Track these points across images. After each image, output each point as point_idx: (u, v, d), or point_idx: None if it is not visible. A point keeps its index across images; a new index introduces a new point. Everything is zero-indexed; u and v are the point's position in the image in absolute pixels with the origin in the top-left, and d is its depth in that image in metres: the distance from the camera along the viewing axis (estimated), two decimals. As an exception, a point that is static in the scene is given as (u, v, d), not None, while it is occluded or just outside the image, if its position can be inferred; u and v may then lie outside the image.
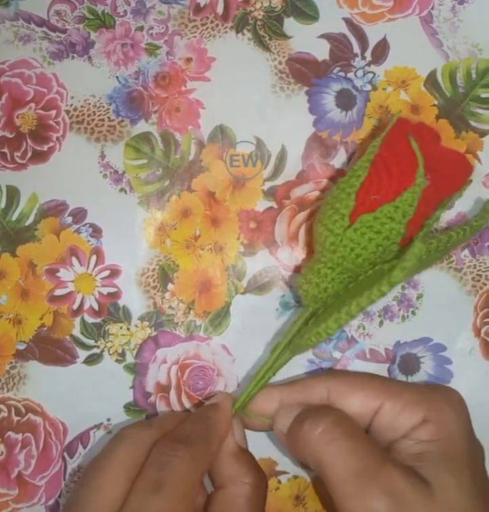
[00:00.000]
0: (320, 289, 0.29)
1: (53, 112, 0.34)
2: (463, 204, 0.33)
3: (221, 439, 0.28)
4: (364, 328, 0.34)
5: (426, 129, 0.30)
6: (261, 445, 0.33)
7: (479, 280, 0.34)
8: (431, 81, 0.34)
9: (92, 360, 0.34)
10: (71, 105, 0.34)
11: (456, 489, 0.24)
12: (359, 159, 0.29)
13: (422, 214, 0.28)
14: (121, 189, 0.34)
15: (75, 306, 0.34)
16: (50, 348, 0.34)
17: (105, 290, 0.34)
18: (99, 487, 0.25)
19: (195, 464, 0.26)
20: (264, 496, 0.29)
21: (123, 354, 0.34)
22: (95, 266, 0.34)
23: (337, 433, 0.26)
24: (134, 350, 0.34)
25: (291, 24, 0.34)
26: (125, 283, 0.34)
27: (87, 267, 0.34)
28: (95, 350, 0.34)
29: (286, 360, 0.29)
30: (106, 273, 0.34)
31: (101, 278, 0.34)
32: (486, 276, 0.34)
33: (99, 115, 0.34)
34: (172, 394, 0.34)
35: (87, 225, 0.34)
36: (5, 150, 0.34)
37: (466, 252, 0.34)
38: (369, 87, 0.34)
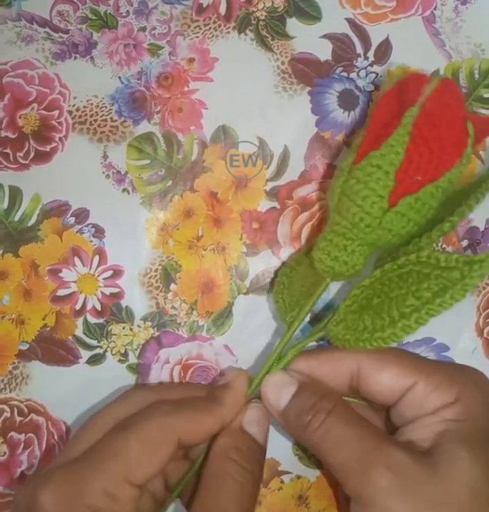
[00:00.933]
0: (348, 266, 0.27)
1: (56, 112, 0.34)
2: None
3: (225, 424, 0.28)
4: (367, 329, 0.34)
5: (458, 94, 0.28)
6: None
7: (482, 281, 0.34)
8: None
9: (94, 360, 0.34)
10: (74, 106, 0.34)
11: (469, 463, 0.24)
12: (395, 131, 0.26)
13: None
14: (124, 190, 0.34)
15: (78, 306, 0.34)
16: (53, 348, 0.34)
17: (108, 291, 0.34)
18: (85, 434, 0.27)
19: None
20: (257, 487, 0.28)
21: (126, 355, 0.34)
22: (98, 266, 0.34)
23: (332, 422, 0.26)
24: (136, 350, 0.34)
25: (293, 25, 0.34)
26: (127, 283, 0.34)
27: (90, 268, 0.34)
28: (98, 351, 0.34)
29: (315, 338, 0.28)
30: (109, 273, 0.34)
31: (104, 279, 0.34)
32: (489, 276, 0.34)
33: (102, 116, 0.34)
34: (175, 395, 0.34)
35: (90, 226, 0.34)
36: (8, 150, 0.34)
37: (468, 252, 0.34)
38: (371, 88, 0.34)
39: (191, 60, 0.34)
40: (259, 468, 0.27)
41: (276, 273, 0.34)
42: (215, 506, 0.25)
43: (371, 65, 0.34)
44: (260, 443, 0.28)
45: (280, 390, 0.27)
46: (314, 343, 0.32)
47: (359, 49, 0.34)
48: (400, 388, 0.27)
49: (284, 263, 0.34)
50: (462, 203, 0.25)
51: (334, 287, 0.34)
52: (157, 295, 0.34)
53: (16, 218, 0.34)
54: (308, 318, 0.33)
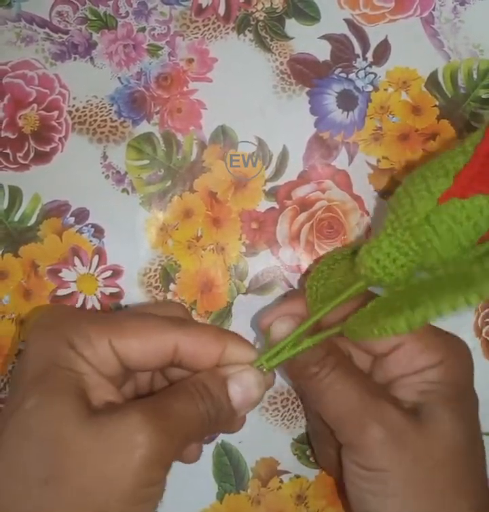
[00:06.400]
0: (391, 279, 0.26)
1: (56, 113, 0.34)
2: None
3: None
4: (365, 329, 0.34)
5: None
6: (262, 445, 0.34)
7: None
8: (432, 81, 0.34)
9: (94, 360, 0.34)
10: (73, 106, 0.34)
11: (450, 423, 0.26)
12: (471, 136, 0.25)
13: None
14: (124, 190, 0.34)
15: (78, 306, 0.34)
16: (52, 348, 0.34)
17: (107, 291, 0.34)
18: None
19: None
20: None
21: (125, 354, 0.34)
22: (97, 266, 0.34)
23: (336, 376, 0.27)
24: (136, 350, 0.34)
25: (292, 25, 0.34)
26: (127, 283, 0.34)
27: (90, 268, 0.34)
28: (97, 350, 0.34)
29: (333, 333, 0.27)
30: (109, 273, 0.34)
31: (103, 279, 0.34)
32: (487, 276, 0.34)
33: (101, 116, 0.34)
34: (174, 394, 0.34)
35: (90, 226, 0.34)
36: (8, 151, 0.34)
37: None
38: (370, 88, 0.34)
39: (190, 61, 0.35)
40: (212, 421, 0.26)
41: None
42: (167, 404, 0.25)
43: (369, 66, 0.34)
44: (234, 407, 0.26)
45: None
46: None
47: (358, 49, 0.34)
48: (387, 346, 0.28)
49: (327, 254, 0.33)
50: None
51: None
52: (157, 294, 0.34)
53: (16, 219, 0.34)
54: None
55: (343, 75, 0.34)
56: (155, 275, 0.34)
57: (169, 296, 0.34)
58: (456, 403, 0.27)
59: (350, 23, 0.34)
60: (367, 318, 0.26)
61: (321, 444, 0.32)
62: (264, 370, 0.27)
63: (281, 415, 0.34)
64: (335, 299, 0.28)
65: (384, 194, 0.34)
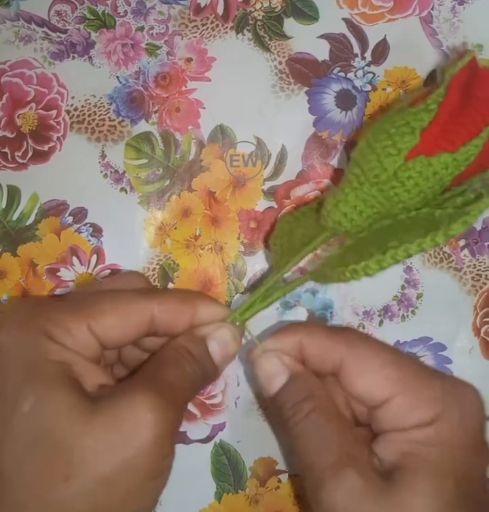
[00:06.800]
0: (352, 225, 0.27)
1: (54, 112, 0.34)
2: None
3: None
4: (364, 328, 0.34)
5: None
6: (261, 445, 0.33)
7: (478, 280, 0.34)
8: (431, 81, 0.34)
9: (92, 359, 0.34)
10: (72, 105, 0.34)
11: (423, 499, 0.23)
12: (432, 93, 0.26)
13: (476, 167, 0.26)
14: (122, 189, 0.34)
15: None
16: (51, 348, 0.34)
17: (106, 290, 0.34)
18: None
19: None
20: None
21: (123, 354, 0.34)
22: (95, 266, 0.34)
23: (308, 424, 0.25)
24: (134, 349, 0.34)
25: (290, 25, 0.34)
26: (125, 283, 0.34)
27: (88, 267, 0.34)
28: (95, 350, 0.34)
29: (302, 282, 0.28)
30: (107, 272, 0.34)
31: (102, 278, 0.34)
32: (486, 275, 0.34)
33: (100, 115, 0.34)
34: (173, 394, 0.34)
35: (88, 225, 0.34)
36: (6, 150, 0.34)
37: (465, 251, 0.34)
38: (368, 88, 0.34)
39: (188, 60, 0.35)
40: (200, 381, 0.27)
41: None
42: (156, 373, 0.25)
43: (368, 65, 0.34)
44: (215, 362, 0.27)
45: (271, 377, 0.27)
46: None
47: (356, 49, 0.34)
48: (376, 399, 0.25)
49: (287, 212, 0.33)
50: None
51: (332, 288, 0.34)
52: (155, 294, 0.34)
53: (14, 218, 0.34)
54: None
55: (341, 74, 0.34)
56: (154, 274, 0.34)
57: (167, 295, 0.34)
58: (439, 472, 0.23)
59: (348, 22, 0.34)
60: (337, 263, 0.27)
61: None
62: (237, 324, 0.28)
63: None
64: (301, 251, 0.28)
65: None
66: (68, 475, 0.22)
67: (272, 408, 0.28)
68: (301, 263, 0.31)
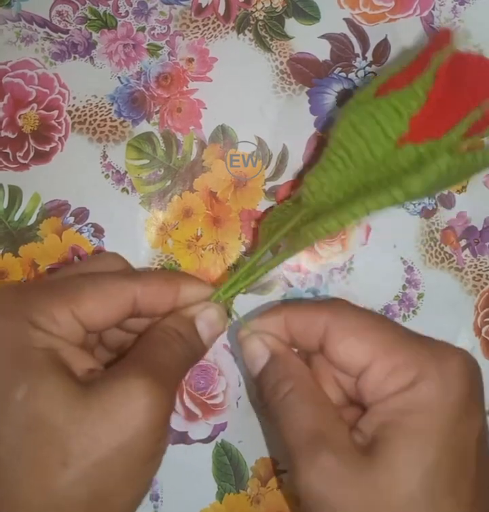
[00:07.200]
0: (329, 199, 0.27)
1: (56, 112, 0.34)
2: (465, 203, 0.34)
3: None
4: (365, 328, 0.34)
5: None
6: (262, 445, 0.34)
7: (479, 280, 0.34)
8: (432, 81, 0.34)
9: (94, 359, 0.34)
10: (73, 105, 0.34)
11: (404, 469, 0.22)
12: (420, 77, 0.26)
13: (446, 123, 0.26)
14: (123, 189, 0.34)
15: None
16: (52, 348, 0.34)
17: (107, 290, 0.34)
18: None
19: None
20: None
21: (125, 354, 0.34)
22: (97, 266, 0.34)
23: (289, 403, 0.25)
24: (136, 349, 0.34)
25: (292, 25, 0.34)
26: (127, 283, 0.34)
27: (89, 267, 0.34)
28: (97, 350, 0.34)
29: (282, 258, 0.28)
30: (108, 273, 0.34)
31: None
32: (487, 275, 0.34)
33: (101, 116, 0.34)
34: (174, 394, 0.34)
35: (89, 225, 0.34)
36: (8, 150, 0.34)
37: (467, 251, 0.34)
38: (370, 88, 0.34)
39: (190, 60, 0.35)
40: (190, 361, 0.27)
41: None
42: (147, 355, 0.25)
43: (369, 65, 0.34)
44: (203, 341, 0.27)
45: (253, 360, 0.27)
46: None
47: (358, 49, 0.34)
48: (357, 365, 0.25)
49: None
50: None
51: (333, 288, 0.34)
52: (157, 294, 0.34)
53: (16, 218, 0.34)
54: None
55: (343, 74, 0.34)
56: (155, 274, 0.34)
57: (169, 295, 0.34)
58: (417, 441, 0.22)
59: (349, 22, 0.34)
60: (304, 229, 0.27)
61: None
62: (221, 302, 0.28)
63: (281, 415, 0.34)
64: (282, 229, 0.28)
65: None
66: (66, 462, 0.22)
67: (257, 392, 0.28)
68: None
